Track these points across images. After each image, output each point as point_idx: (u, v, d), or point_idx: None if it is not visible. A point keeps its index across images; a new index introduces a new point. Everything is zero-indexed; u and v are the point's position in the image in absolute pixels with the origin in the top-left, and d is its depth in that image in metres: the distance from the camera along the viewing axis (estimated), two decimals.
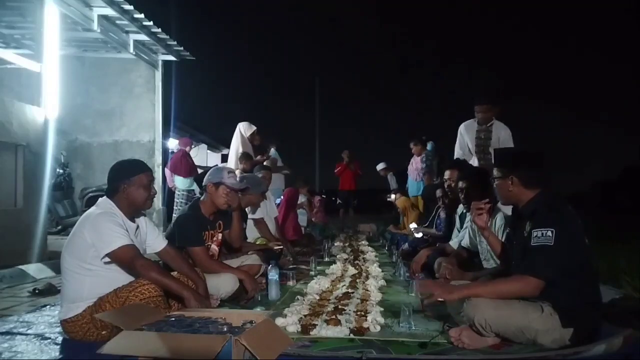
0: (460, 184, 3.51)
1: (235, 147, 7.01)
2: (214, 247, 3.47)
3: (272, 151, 8.03)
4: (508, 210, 2.91)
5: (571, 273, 2.17)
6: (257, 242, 4.86)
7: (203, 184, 3.44)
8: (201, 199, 3.47)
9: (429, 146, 8.43)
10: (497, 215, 3.23)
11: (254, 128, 7.07)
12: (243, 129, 7.04)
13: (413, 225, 7.27)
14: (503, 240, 2.84)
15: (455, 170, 4.08)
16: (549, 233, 2.12)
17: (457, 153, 4.83)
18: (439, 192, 5.31)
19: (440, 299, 2.30)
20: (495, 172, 2.50)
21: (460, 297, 2.23)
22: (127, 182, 2.48)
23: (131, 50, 7.31)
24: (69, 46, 7.55)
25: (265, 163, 6.92)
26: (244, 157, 6.75)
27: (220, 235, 3.51)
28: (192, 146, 8.00)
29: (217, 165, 3.78)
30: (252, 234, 4.98)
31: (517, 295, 2.19)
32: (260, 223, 5.04)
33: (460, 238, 3.76)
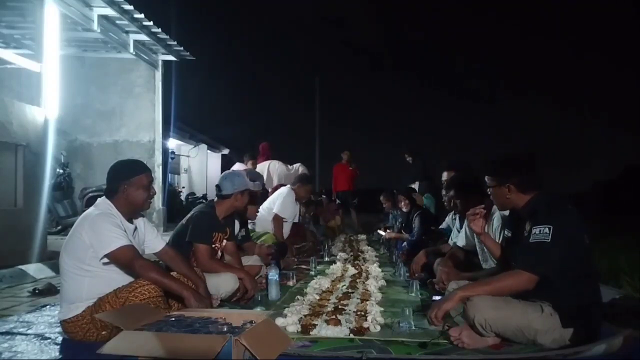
0: (451, 193, 3.49)
1: (278, 171, 7.19)
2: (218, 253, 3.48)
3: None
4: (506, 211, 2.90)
5: (570, 271, 2.17)
6: (264, 237, 4.91)
7: (228, 192, 3.40)
8: (216, 200, 3.49)
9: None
10: (494, 216, 3.20)
11: (309, 187, 6.14)
12: (302, 169, 7.29)
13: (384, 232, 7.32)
14: (500, 241, 2.79)
15: (452, 172, 4.05)
16: (547, 230, 2.14)
17: None
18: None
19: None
20: (489, 180, 2.48)
21: (460, 299, 2.23)
22: (127, 182, 2.47)
23: (131, 50, 7.31)
24: (69, 46, 7.55)
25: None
26: (249, 156, 6.73)
27: (225, 242, 3.51)
28: None
29: (232, 171, 3.78)
30: (266, 225, 5.02)
31: (513, 290, 2.20)
32: (277, 220, 5.06)
33: (460, 239, 3.75)
